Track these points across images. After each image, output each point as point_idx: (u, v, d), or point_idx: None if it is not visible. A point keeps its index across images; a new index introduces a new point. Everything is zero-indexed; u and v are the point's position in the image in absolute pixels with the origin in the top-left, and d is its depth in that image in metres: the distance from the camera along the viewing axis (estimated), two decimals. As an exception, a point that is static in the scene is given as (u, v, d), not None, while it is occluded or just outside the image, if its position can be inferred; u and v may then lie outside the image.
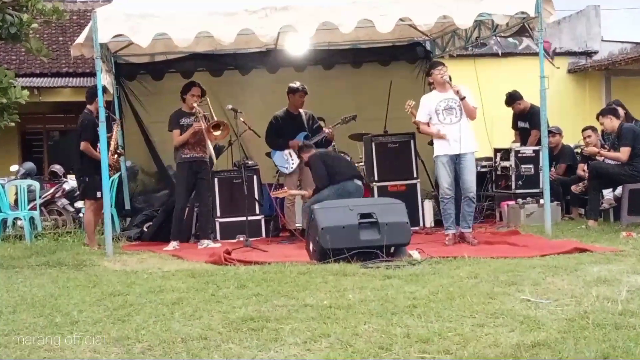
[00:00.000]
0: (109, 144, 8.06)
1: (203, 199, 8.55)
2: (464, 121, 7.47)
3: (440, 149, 7.56)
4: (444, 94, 7.57)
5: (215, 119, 8.52)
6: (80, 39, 7.84)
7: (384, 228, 6.33)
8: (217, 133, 8.37)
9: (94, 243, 8.22)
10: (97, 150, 8.17)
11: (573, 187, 9.37)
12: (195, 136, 8.34)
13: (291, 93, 9.10)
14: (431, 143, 8.03)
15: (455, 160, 7.49)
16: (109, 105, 8.00)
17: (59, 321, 4.39)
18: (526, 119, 10.20)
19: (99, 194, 8.09)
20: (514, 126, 10.57)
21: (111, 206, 8.66)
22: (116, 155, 8.78)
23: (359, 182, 8.27)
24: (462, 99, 7.43)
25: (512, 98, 10.37)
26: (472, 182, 7.54)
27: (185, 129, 8.36)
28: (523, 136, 10.24)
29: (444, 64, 7.73)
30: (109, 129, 8.21)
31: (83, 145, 8.17)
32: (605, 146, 9.18)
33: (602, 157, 8.82)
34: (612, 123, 8.66)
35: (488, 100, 8.78)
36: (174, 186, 9.87)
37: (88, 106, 8.37)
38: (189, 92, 8.45)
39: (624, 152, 8.35)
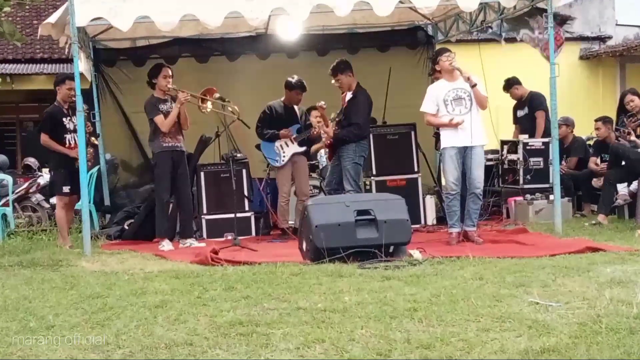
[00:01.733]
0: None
1: (184, 194, 8.42)
2: (474, 112, 7.45)
3: (448, 140, 7.51)
4: (453, 84, 7.54)
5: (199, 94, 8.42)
6: (52, 18, 7.77)
7: (382, 226, 6.32)
8: (209, 107, 8.33)
9: (66, 241, 8.21)
10: (66, 143, 8.19)
11: (594, 181, 9.35)
12: (172, 123, 8.22)
13: (287, 88, 9.05)
14: (436, 135, 8.01)
15: (464, 153, 7.48)
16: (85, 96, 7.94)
17: (34, 325, 4.38)
18: (524, 105, 10.19)
19: (65, 189, 8.19)
20: (515, 120, 10.51)
21: (89, 202, 8.62)
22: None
23: None
24: (473, 86, 7.41)
25: (509, 83, 10.34)
26: (480, 177, 7.53)
27: (166, 116, 8.16)
28: (523, 125, 10.19)
29: (451, 51, 7.71)
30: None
31: (41, 137, 8.25)
32: (618, 139, 9.16)
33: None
34: None
35: (494, 89, 8.77)
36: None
37: (57, 97, 8.40)
38: (159, 75, 8.23)
39: None
